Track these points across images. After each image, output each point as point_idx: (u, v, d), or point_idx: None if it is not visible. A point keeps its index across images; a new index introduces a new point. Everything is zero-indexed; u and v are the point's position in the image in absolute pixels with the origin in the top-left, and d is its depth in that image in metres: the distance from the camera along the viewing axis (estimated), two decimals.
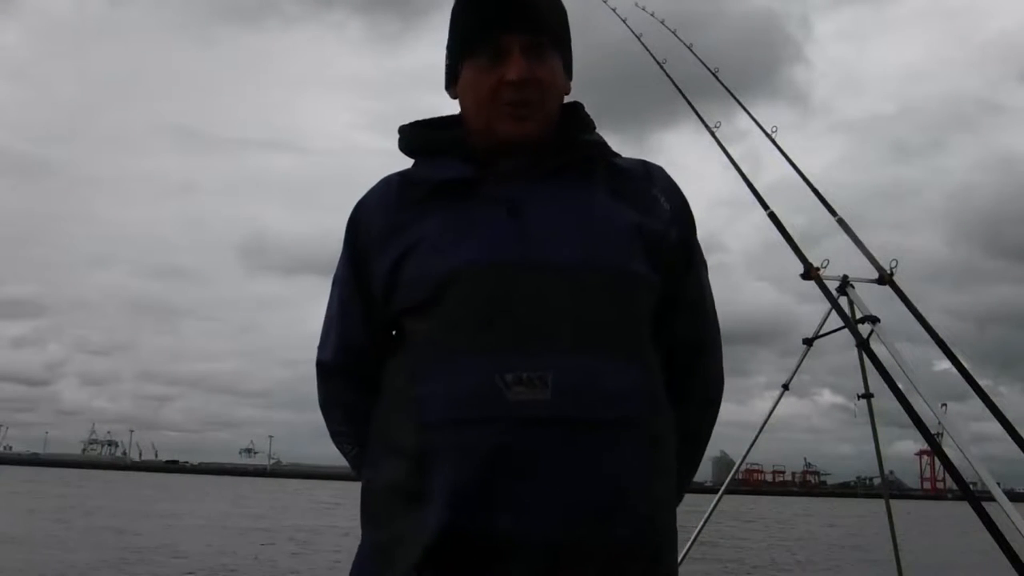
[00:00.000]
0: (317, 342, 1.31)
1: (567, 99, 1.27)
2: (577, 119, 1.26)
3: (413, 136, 1.27)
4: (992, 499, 2.23)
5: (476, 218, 1.15)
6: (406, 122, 1.30)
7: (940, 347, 2.77)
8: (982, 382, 2.66)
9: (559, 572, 1.04)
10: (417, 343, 1.15)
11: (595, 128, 1.28)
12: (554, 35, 1.21)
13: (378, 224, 1.22)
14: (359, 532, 1.18)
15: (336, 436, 1.32)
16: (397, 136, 1.28)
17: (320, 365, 1.30)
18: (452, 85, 1.25)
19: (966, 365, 2.73)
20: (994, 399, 2.57)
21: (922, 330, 2.84)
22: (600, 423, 1.06)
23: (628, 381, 1.10)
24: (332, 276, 1.32)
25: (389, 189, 1.25)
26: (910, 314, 2.92)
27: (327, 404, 1.32)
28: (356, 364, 1.26)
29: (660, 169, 1.29)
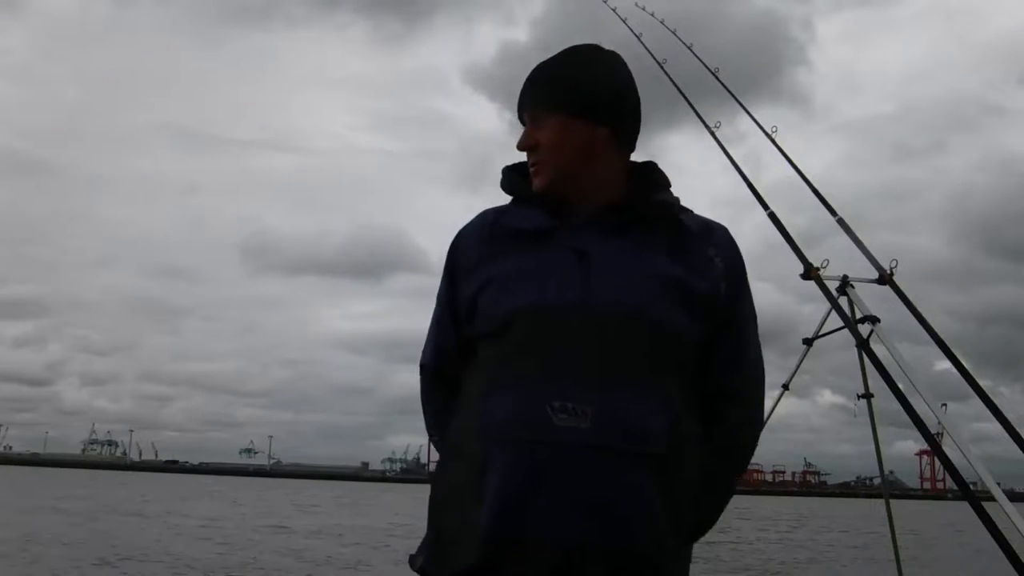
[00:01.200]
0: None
1: (640, 159, 1.46)
2: (650, 179, 1.43)
3: (508, 180, 1.47)
4: (992, 499, 2.23)
5: (548, 263, 1.34)
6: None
7: (940, 347, 2.77)
8: (982, 382, 2.66)
9: (571, 570, 1.23)
10: (488, 366, 1.35)
11: (669, 186, 1.44)
12: (550, 101, 1.40)
13: (471, 254, 1.43)
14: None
15: (427, 427, 1.53)
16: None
17: (421, 367, 1.54)
18: None
19: (966, 365, 2.73)
20: (994, 399, 2.57)
21: (922, 330, 2.84)
22: (624, 453, 1.24)
23: (654, 421, 1.26)
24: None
25: (484, 223, 1.45)
26: (910, 314, 2.92)
27: (423, 399, 1.54)
28: (446, 367, 1.48)
29: (723, 230, 1.44)
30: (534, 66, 1.45)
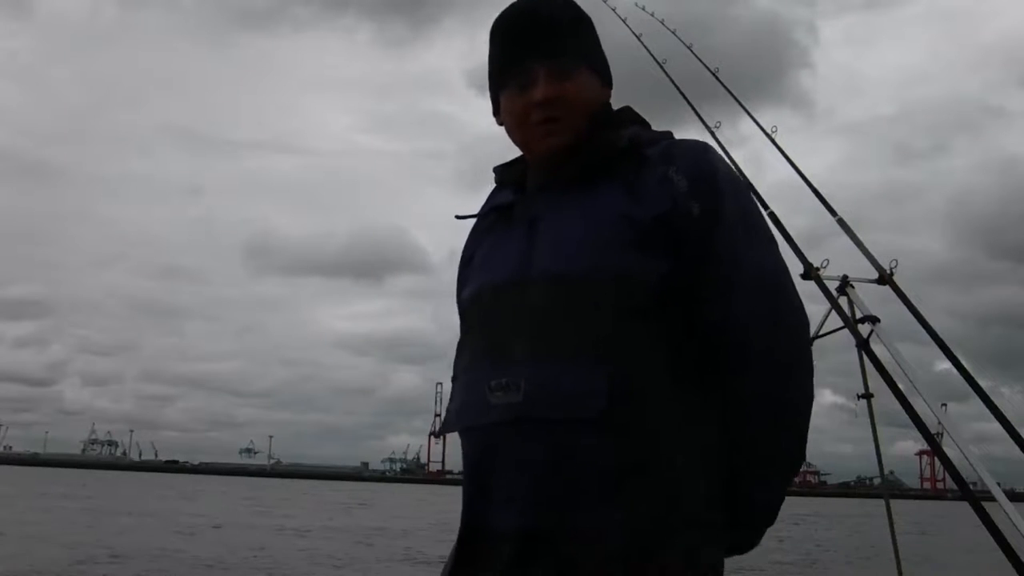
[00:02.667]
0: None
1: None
2: (603, 122, 1.29)
3: (496, 173, 1.39)
4: (992, 499, 2.23)
5: (503, 241, 1.28)
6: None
7: (940, 347, 2.77)
8: (983, 382, 2.66)
9: (536, 558, 1.13)
10: (456, 362, 1.32)
11: (628, 124, 1.29)
12: (577, 51, 1.29)
13: (464, 255, 1.40)
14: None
15: None
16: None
17: None
18: (497, 113, 1.35)
19: (966, 365, 2.73)
20: (994, 399, 2.57)
21: (922, 330, 2.84)
22: (560, 422, 1.13)
23: (589, 382, 1.13)
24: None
25: (478, 217, 1.40)
26: (910, 314, 2.92)
27: None
28: None
29: (688, 145, 1.25)
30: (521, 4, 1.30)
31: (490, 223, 1.36)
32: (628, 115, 1.33)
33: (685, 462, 1.15)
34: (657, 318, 1.16)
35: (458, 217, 1.41)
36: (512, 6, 1.33)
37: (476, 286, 1.29)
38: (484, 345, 1.24)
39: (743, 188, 1.27)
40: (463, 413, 1.24)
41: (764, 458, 1.20)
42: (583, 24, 1.33)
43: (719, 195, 1.20)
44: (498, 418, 1.17)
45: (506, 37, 1.32)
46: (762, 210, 1.25)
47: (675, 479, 1.14)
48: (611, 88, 1.34)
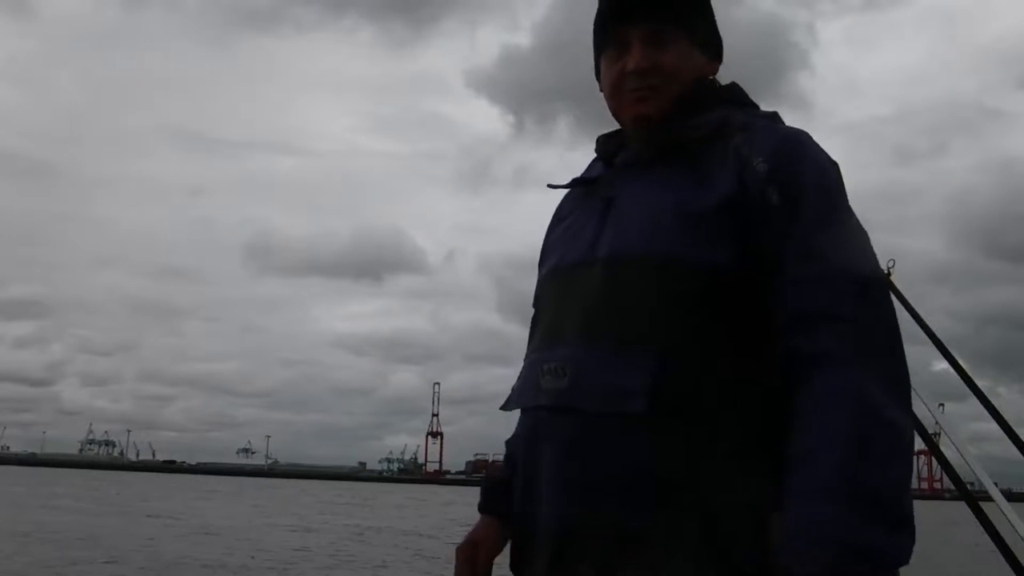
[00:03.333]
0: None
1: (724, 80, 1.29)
2: (694, 99, 1.22)
3: (597, 143, 1.34)
4: (989, 499, 2.24)
5: (584, 218, 1.24)
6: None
7: (937, 347, 2.77)
8: (980, 383, 2.66)
9: (574, 552, 1.09)
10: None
11: (723, 104, 1.22)
12: (678, 19, 1.23)
13: (555, 215, 1.36)
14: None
15: None
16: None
17: None
18: (599, 79, 1.30)
19: (964, 366, 2.73)
20: (992, 400, 2.57)
21: (919, 330, 2.84)
22: (597, 415, 1.08)
23: (636, 378, 1.06)
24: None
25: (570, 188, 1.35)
26: (907, 314, 2.92)
27: None
28: None
29: (777, 130, 1.18)
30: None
31: (579, 195, 1.31)
32: (728, 93, 1.27)
33: (725, 475, 1.04)
34: (715, 309, 1.08)
35: (550, 186, 1.35)
36: None
37: (551, 264, 1.27)
38: (546, 325, 1.23)
39: (835, 181, 1.15)
40: (520, 393, 1.23)
41: (851, 445, 0.99)
42: None
43: (803, 185, 1.10)
44: (544, 402, 1.15)
45: None
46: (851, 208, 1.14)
47: (712, 493, 1.03)
48: (719, 63, 1.29)
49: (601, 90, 1.30)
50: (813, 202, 1.09)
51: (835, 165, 1.17)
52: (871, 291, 1.07)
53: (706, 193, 1.11)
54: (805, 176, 1.11)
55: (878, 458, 0.97)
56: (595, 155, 1.34)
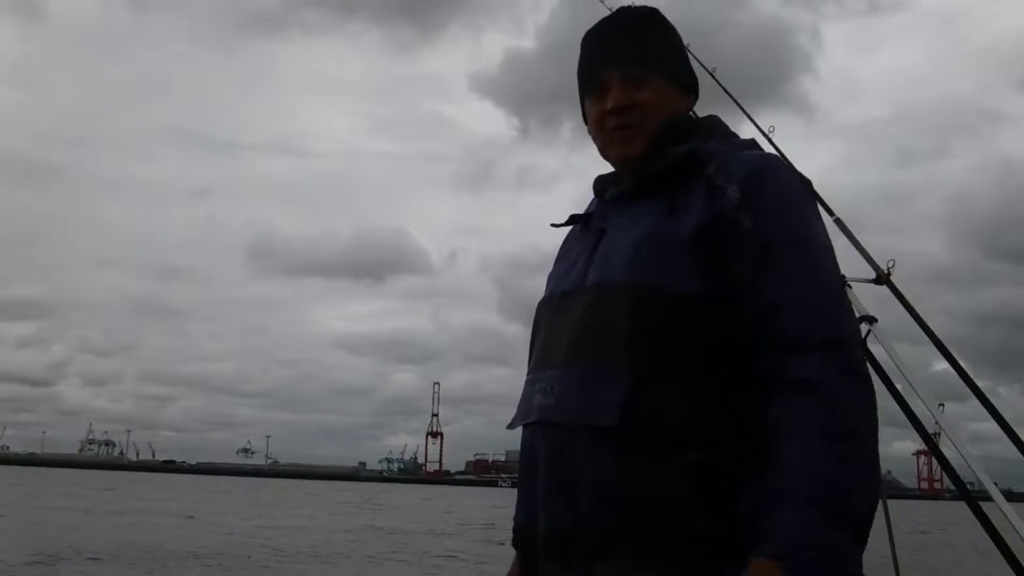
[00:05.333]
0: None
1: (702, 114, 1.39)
2: (669, 133, 1.29)
3: (594, 183, 1.41)
4: (989, 499, 2.24)
5: (579, 251, 1.34)
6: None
7: (937, 347, 2.78)
8: (980, 383, 2.66)
9: (566, 556, 1.18)
10: None
11: (699, 135, 1.28)
12: (653, 61, 1.32)
13: (557, 253, 1.46)
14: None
15: None
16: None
17: None
18: (586, 122, 1.39)
19: (964, 366, 2.73)
20: (992, 399, 2.57)
21: (920, 330, 2.84)
22: (577, 428, 1.17)
23: (610, 395, 1.14)
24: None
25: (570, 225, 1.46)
26: (908, 314, 2.92)
27: None
28: None
29: (748, 156, 1.23)
30: (601, 23, 1.36)
31: (578, 231, 1.42)
32: (703, 125, 1.34)
33: (691, 488, 1.10)
34: (690, 334, 1.13)
35: (553, 225, 1.46)
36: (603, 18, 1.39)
37: (547, 293, 1.38)
38: (540, 348, 1.33)
39: (806, 203, 1.22)
40: (519, 410, 1.33)
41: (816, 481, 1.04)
42: (662, 33, 1.38)
43: (775, 209, 1.15)
44: (536, 418, 1.26)
45: (588, 45, 1.38)
46: (824, 227, 1.22)
47: (678, 502, 1.10)
48: (694, 97, 1.39)
49: (589, 132, 1.39)
50: (785, 227, 1.16)
51: (808, 183, 1.28)
52: (840, 312, 1.17)
53: (681, 222, 1.18)
54: (775, 200, 1.17)
55: (851, 471, 1.05)
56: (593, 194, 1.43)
